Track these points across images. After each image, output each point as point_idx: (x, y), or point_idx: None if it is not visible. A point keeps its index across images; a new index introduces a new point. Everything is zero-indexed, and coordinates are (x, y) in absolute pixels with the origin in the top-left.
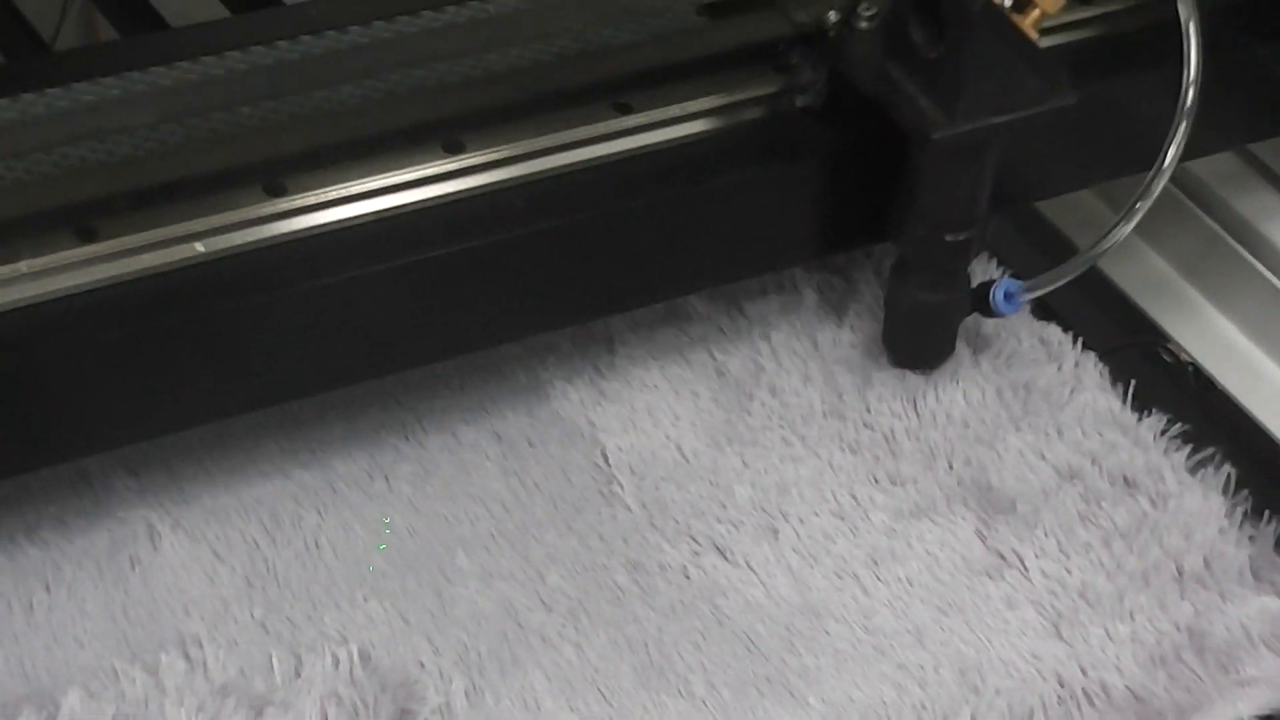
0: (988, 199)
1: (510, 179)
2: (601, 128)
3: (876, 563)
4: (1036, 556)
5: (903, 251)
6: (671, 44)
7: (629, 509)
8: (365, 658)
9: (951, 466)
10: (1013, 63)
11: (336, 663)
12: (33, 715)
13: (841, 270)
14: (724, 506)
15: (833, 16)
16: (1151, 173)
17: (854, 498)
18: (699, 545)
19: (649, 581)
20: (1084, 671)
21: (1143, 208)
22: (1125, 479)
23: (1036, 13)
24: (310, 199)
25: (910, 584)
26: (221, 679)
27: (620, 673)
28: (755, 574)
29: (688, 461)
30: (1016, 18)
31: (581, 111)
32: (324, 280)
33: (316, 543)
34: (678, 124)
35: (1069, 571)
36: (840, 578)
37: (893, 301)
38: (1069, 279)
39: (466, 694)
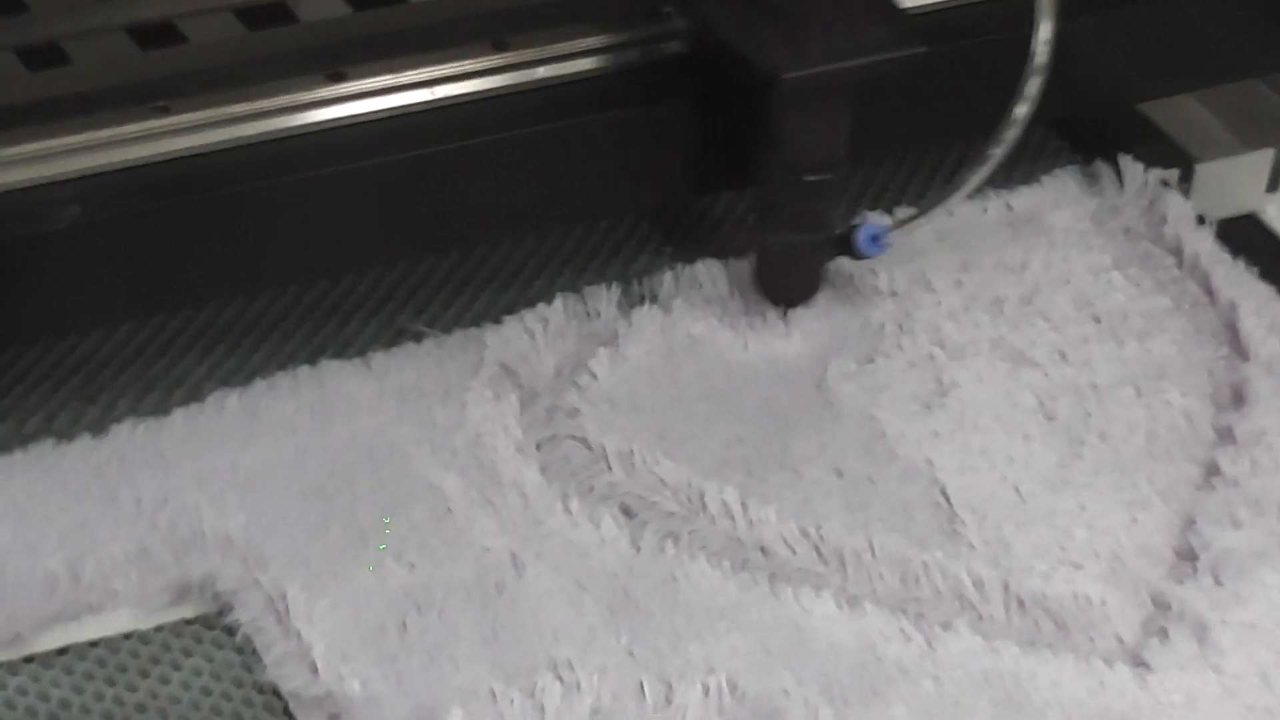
0: (845, 143)
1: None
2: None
3: (1222, 606)
4: None
5: (766, 193)
6: None
7: (972, 546)
8: (733, 686)
9: None
10: (864, 13)
11: (706, 691)
12: None
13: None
14: (1063, 548)
15: None
16: (1003, 124)
17: (1199, 538)
18: (1044, 583)
19: (1000, 614)
20: None
21: (996, 154)
22: None
23: None
24: None
25: (1254, 629)
26: (596, 703)
27: (978, 706)
28: (1100, 610)
29: (1025, 503)
30: None
31: (463, 49)
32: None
33: (674, 575)
34: (559, 62)
35: None
36: (1186, 619)
37: (759, 242)
38: (930, 218)
39: None
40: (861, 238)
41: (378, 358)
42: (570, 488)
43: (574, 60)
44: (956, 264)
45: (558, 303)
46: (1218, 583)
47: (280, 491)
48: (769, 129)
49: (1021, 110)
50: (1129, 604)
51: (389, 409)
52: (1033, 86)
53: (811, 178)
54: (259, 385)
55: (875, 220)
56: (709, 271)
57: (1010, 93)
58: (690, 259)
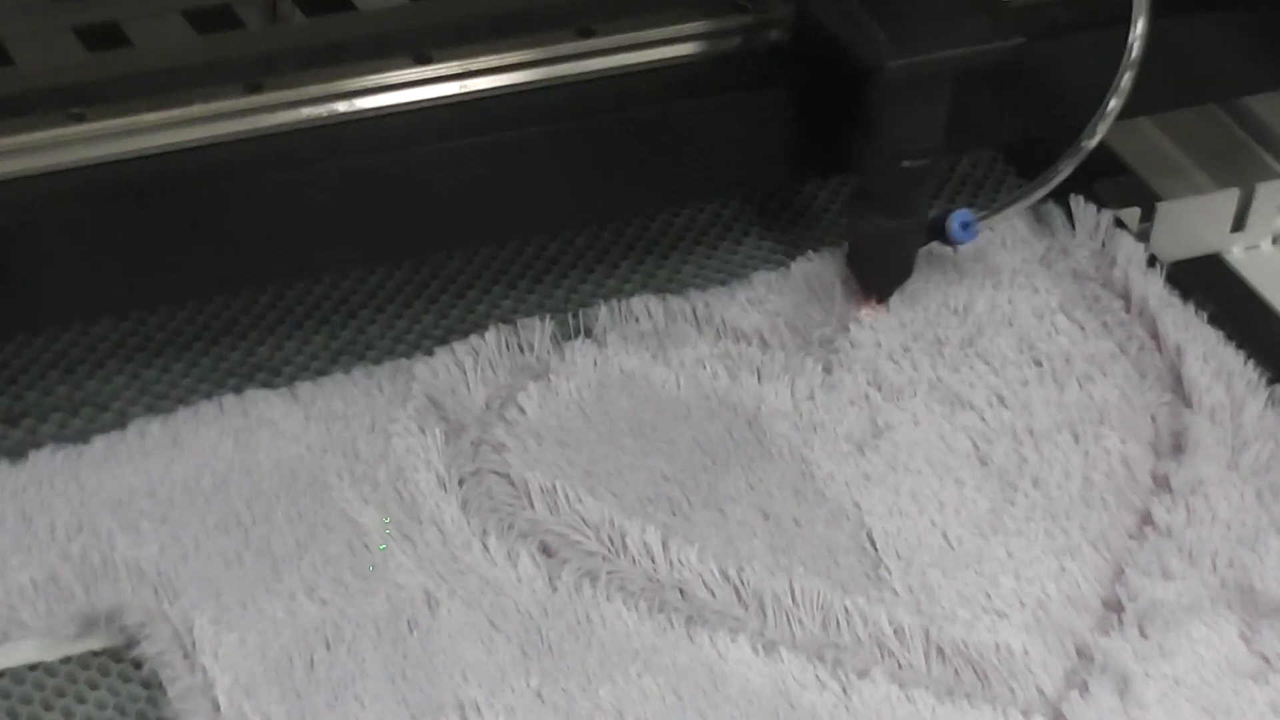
0: (942, 131)
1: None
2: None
3: (1146, 659)
4: None
5: (862, 180)
6: None
7: (896, 593)
8: None
9: (1215, 567)
10: (964, 4)
11: None
12: None
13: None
14: (989, 596)
15: None
16: (1095, 118)
17: (1127, 589)
18: (966, 632)
19: (920, 663)
20: None
21: (1088, 146)
22: None
23: None
24: None
25: (1177, 683)
26: None
27: None
28: (1022, 661)
29: (953, 549)
30: None
31: (550, 34)
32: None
33: (589, 616)
34: (656, 48)
35: None
36: (1109, 672)
37: (853, 227)
38: (1020, 208)
39: None
40: (954, 224)
41: (305, 386)
42: (490, 524)
43: (671, 46)
44: (900, 303)
45: (490, 334)
46: (1143, 635)
47: (196, 520)
48: (868, 116)
49: (1115, 103)
50: (1052, 655)
51: (313, 439)
52: (1127, 80)
53: (908, 164)
54: (182, 412)
55: (964, 210)
56: (645, 305)
57: (1096, 88)
58: (629, 292)
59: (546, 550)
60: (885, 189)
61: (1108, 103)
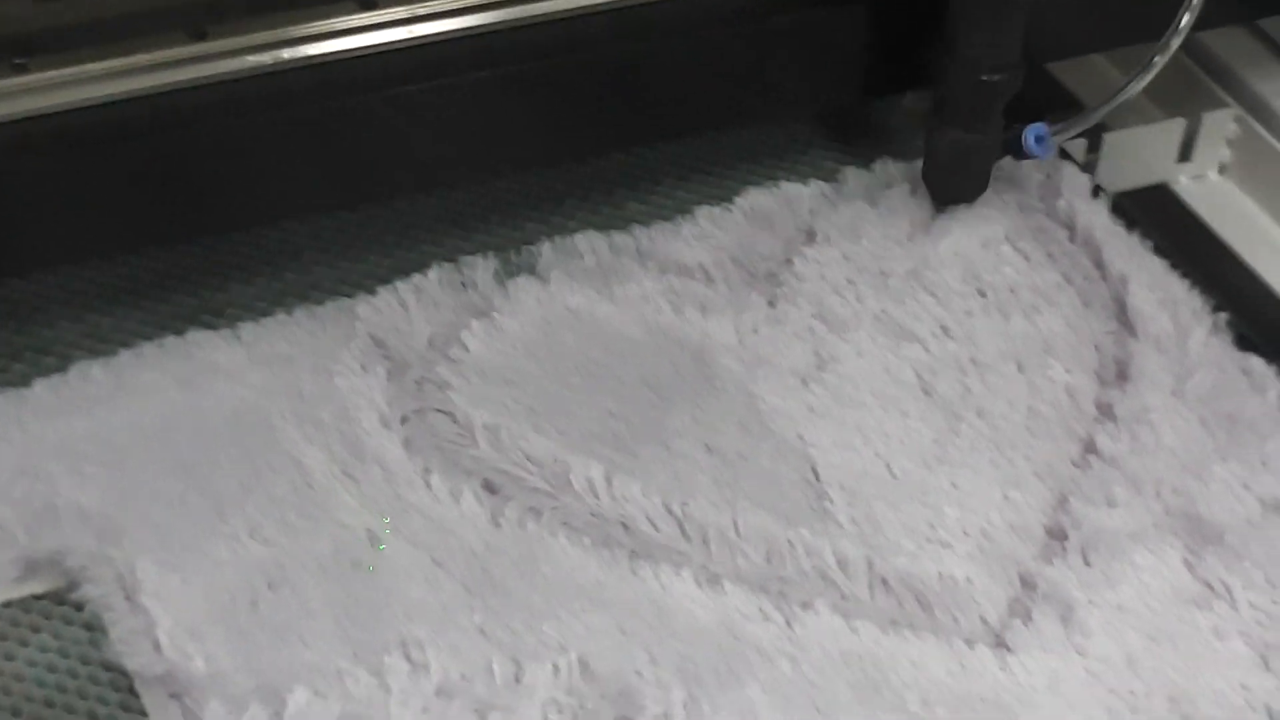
0: (1020, 46)
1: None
2: None
3: (1090, 586)
4: (1244, 588)
5: (942, 93)
6: None
7: (840, 525)
8: (584, 666)
9: (1159, 495)
10: None
11: (556, 670)
12: (260, 710)
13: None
14: (933, 527)
15: None
16: (1168, 33)
17: (1071, 517)
18: (910, 562)
19: (864, 594)
20: None
21: (1159, 62)
22: None
23: None
24: None
25: (1121, 610)
26: (444, 682)
27: (836, 687)
28: (965, 591)
29: (897, 480)
30: None
31: None
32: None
33: (533, 553)
34: None
35: (1276, 603)
36: (1052, 600)
37: (931, 141)
38: (1092, 122)
39: (684, 704)
40: (1029, 138)
41: (248, 327)
42: (433, 462)
43: None
44: (846, 235)
45: (433, 272)
46: (1087, 563)
47: (139, 463)
48: (949, 29)
49: (1188, 18)
50: (996, 584)
51: (257, 380)
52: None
53: (987, 77)
54: (124, 355)
55: (1038, 124)
56: (589, 242)
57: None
58: (574, 230)
59: (490, 487)
60: (963, 102)
61: (1181, 17)
